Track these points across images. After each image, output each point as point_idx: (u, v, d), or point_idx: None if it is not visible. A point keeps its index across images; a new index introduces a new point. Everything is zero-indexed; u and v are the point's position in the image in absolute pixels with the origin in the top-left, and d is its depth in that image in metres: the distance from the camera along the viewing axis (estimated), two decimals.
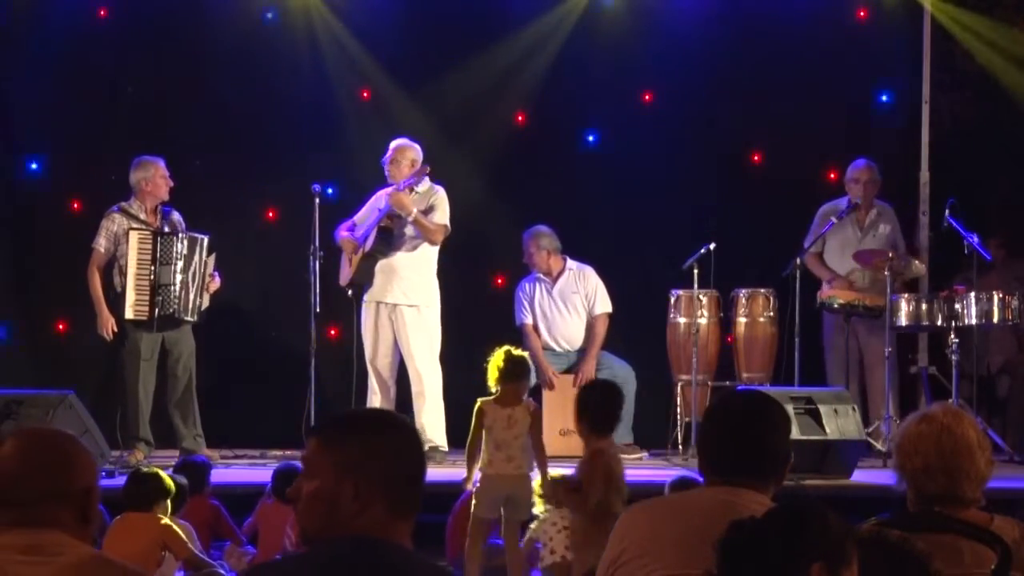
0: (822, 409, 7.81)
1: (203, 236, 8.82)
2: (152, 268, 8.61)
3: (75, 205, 10.02)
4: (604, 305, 9.44)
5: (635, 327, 9.74)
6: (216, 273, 8.87)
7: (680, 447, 9.13)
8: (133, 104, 10.08)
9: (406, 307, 8.84)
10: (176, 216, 8.92)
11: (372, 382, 8.96)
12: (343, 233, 8.96)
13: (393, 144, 8.92)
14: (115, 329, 8.67)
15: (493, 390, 6.50)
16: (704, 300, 9.31)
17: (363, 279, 8.88)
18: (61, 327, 10.01)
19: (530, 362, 6.77)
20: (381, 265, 8.85)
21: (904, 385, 9.52)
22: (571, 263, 9.48)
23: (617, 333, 9.51)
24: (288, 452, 8.61)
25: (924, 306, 8.88)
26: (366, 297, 8.93)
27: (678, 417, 9.32)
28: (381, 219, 8.81)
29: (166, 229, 8.75)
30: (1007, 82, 10.01)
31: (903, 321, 8.87)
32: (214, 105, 9.97)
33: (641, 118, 10.20)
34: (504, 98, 10.20)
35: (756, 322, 9.43)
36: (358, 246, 8.89)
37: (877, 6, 10.25)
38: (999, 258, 9.46)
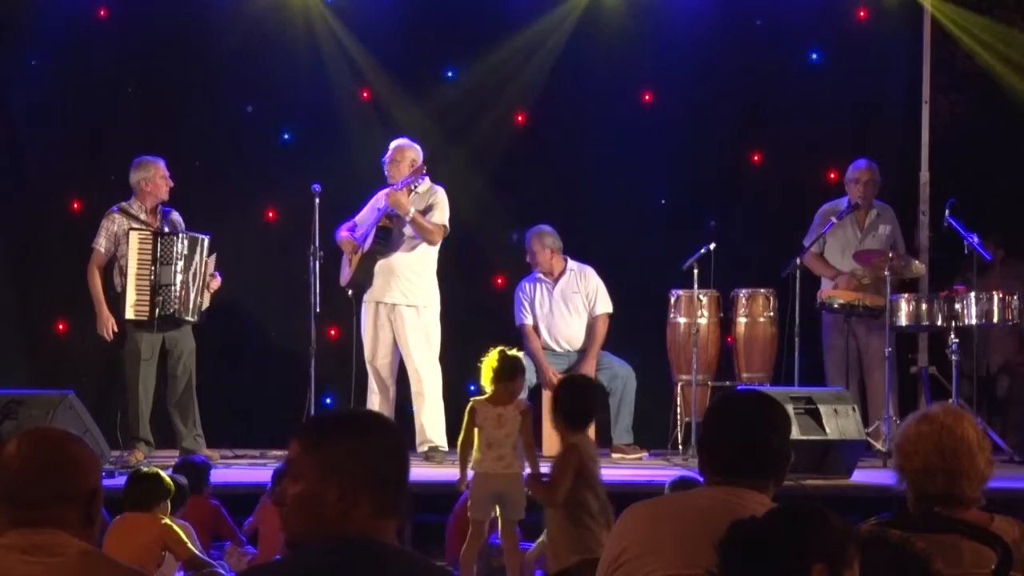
0: (822, 409, 7.81)
1: (204, 236, 8.82)
2: (152, 268, 8.61)
3: (75, 205, 10.01)
4: (605, 305, 9.44)
5: (635, 327, 9.74)
6: (217, 273, 8.87)
7: (680, 447, 9.13)
8: (133, 104, 10.07)
9: (405, 307, 8.84)
10: (176, 216, 8.93)
11: (372, 382, 8.97)
12: (343, 233, 8.97)
13: (393, 144, 8.93)
14: (115, 329, 8.68)
15: (486, 389, 6.51)
16: (704, 300, 9.31)
17: (363, 279, 8.88)
18: (61, 327, 10.01)
19: (524, 362, 6.76)
20: (381, 265, 8.85)
21: (904, 385, 9.52)
22: (572, 263, 9.48)
23: (617, 333, 9.51)
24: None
25: (924, 306, 8.88)
26: (366, 297, 8.93)
27: (678, 417, 9.31)
28: (380, 219, 8.81)
29: (166, 229, 8.75)
30: (1007, 82, 10.01)
31: (903, 321, 8.87)
32: (214, 105, 9.97)
33: (641, 118, 10.20)
34: (504, 98, 10.19)
35: (756, 322, 9.43)
36: (358, 246, 8.89)
37: (877, 6, 10.25)
38: (998, 258, 9.45)
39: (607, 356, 9.40)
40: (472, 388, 7.62)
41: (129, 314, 8.62)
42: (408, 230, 8.82)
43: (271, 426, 9.06)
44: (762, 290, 9.43)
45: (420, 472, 8.13)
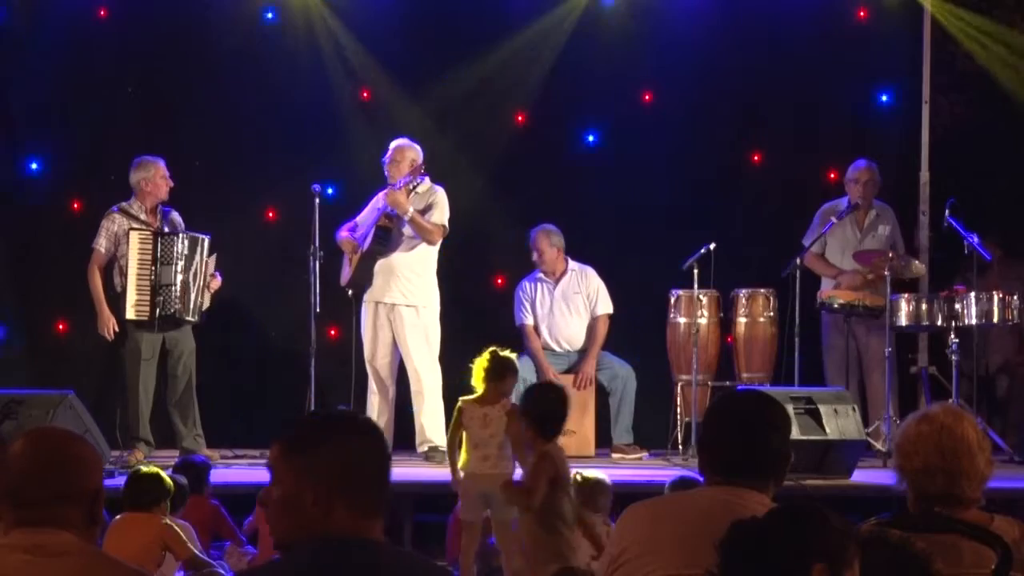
0: (822, 409, 7.81)
1: (204, 236, 8.83)
2: (153, 268, 8.61)
3: (75, 205, 10.01)
4: (606, 306, 9.44)
5: (635, 327, 9.73)
6: (218, 273, 8.87)
7: (680, 447, 9.13)
8: (133, 104, 10.07)
9: (404, 307, 8.85)
10: (176, 216, 8.93)
11: (371, 382, 8.97)
12: (343, 233, 8.97)
13: (393, 144, 8.93)
14: (116, 329, 8.68)
15: (476, 389, 6.51)
16: (704, 300, 9.31)
17: (363, 279, 8.88)
18: (61, 327, 10.01)
19: (526, 363, 6.75)
20: (380, 265, 8.86)
21: (904, 385, 9.52)
22: (573, 264, 9.49)
23: (617, 333, 9.51)
24: None
25: (924, 306, 8.88)
26: (365, 297, 8.94)
27: (678, 417, 9.31)
28: (379, 218, 8.82)
29: (166, 229, 8.76)
30: (1007, 82, 10.01)
31: (903, 321, 8.88)
32: (214, 105, 9.96)
33: (641, 118, 10.20)
34: (504, 98, 10.19)
35: (756, 322, 9.43)
36: (358, 246, 8.89)
37: (877, 6, 10.25)
38: (996, 257, 9.45)
39: (607, 356, 9.40)
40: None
41: (130, 314, 8.63)
42: (408, 230, 8.82)
43: (271, 426, 8.97)
44: (762, 290, 9.43)
45: (420, 472, 8.14)
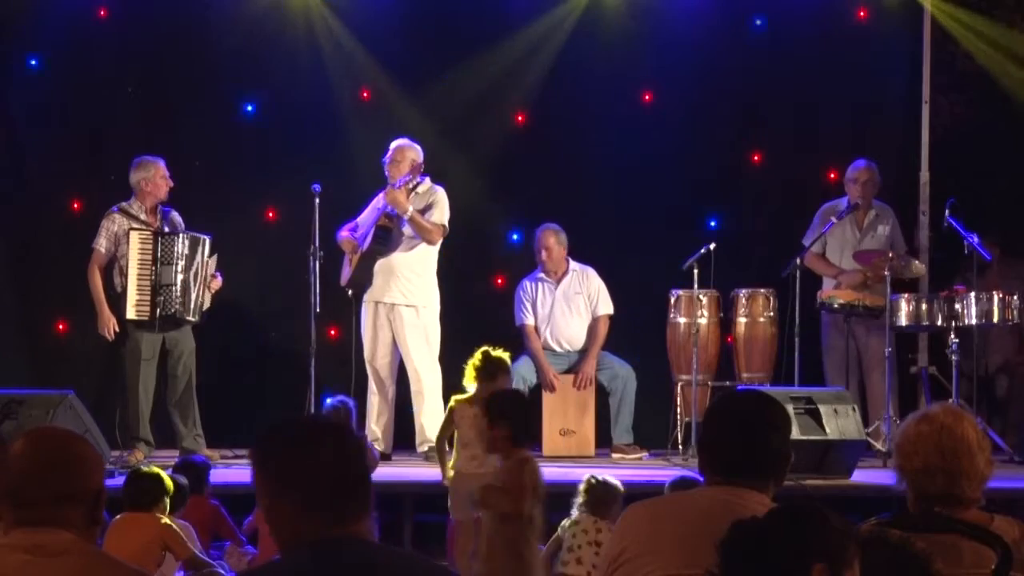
0: (822, 409, 7.81)
1: (205, 236, 8.83)
2: (153, 268, 8.61)
3: (75, 205, 10.01)
4: (607, 307, 9.44)
5: (635, 327, 9.73)
6: (218, 274, 8.87)
7: (680, 447, 9.13)
8: (133, 104, 10.07)
9: (404, 307, 8.85)
10: (176, 216, 8.93)
11: (371, 382, 8.98)
12: (344, 233, 8.98)
13: (394, 144, 8.93)
14: (116, 329, 8.68)
15: (468, 389, 6.49)
16: (704, 300, 9.31)
17: (363, 279, 8.89)
18: (61, 327, 10.01)
19: (509, 362, 6.74)
20: (380, 265, 8.86)
21: (904, 385, 9.52)
22: (574, 264, 9.49)
23: (617, 333, 9.51)
24: None
25: (924, 306, 8.88)
26: (365, 297, 8.94)
27: (678, 417, 9.31)
28: (379, 218, 8.82)
29: (166, 229, 8.76)
30: (1007, 82, 10.01)
31: (903, 321, 8.87)
32: (214, 105, 9.97)
33: (641, 118, 10.20)
34: (504, 98, 10.19)
35: (756, 322, 9.43)
36: (358, 246, 8.90)
37: (877, 6, 10.25)
38: (995, 256, 9.45)
39: (607, 356, 9.40)
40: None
41: (130, 314, 8.63)
42: (408, 230, 8.82)
43: None
44: (762, 290, 9.43)
45: (420, 472, 8.14)
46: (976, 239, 8.98)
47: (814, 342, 9.37)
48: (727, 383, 9.33)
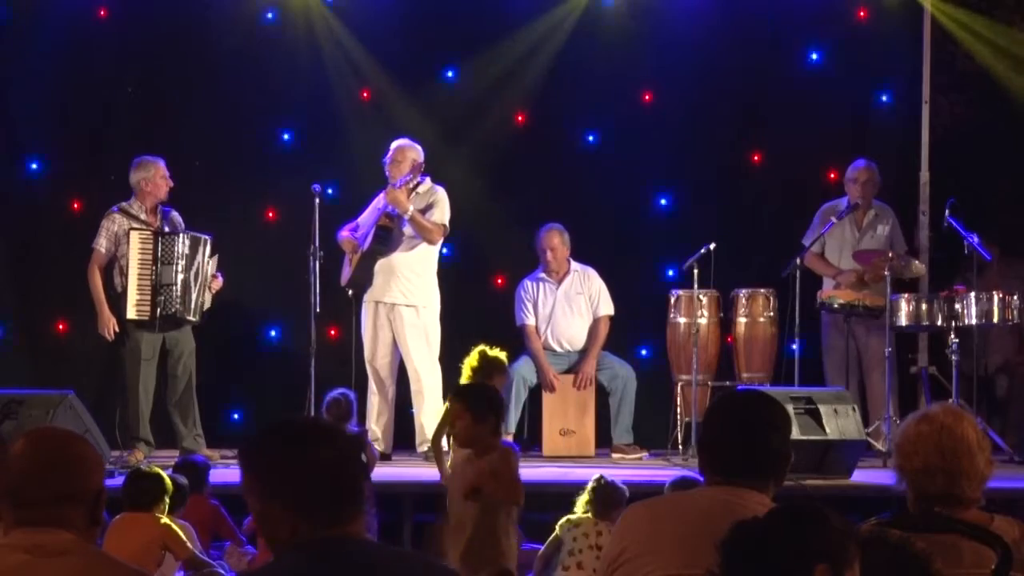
0: (822, 409, 7.80)
1: (206, 236, 8.83)
2: (154, 268, 8.62)
3: (75, 205, 10.02)
4: (607, 307, 9.44)
5: (635, 327, 9.73)
6: (219, 274, 8.88)
7: (680, 447, 9.13)
8: (133, 104, 10.07)
9: (404, 307, 8.85)
10: (176, 216, 8.93)
11: (371, 382, 8.98)
12: (344, 233, 8.98)
13: (394, 144, 8.93)
14: (116, 329, 8.68)
15: None
16: (704, 300, 9.31)
17: (363, 279, 8.89)
18: (61, 327, 10.01)
19: (505, 362, 6.73)
20: (381, 265, 8.86)
21: (904, 385, 9.52)
22: (575, 264, 9.49)
23: (617, 333, 9.51)
24: None
25: (924, 306, 8.88)
26: (366, 297, 8.94)
27: (678, 417, 9.31)
28: (380, 218, 8.82)
29: (167, 229, 8.76)
30: (1007, 82, 10.01)
31: (903, 321, 8.87)
32: (214, 105, 9.96)
33: (641, 118, 10.20)
34: (504, 98, 10.19)
35: (756, 322, 9.43)
36: (358, 246, 8.90)
37: (877, 6, 10.25)
38: (996, 257, 9.45)
39: (607, 356, 9.40)
40: None
41: (131, 314, 8.63)
42: (408, 230, 8.82)
43: None
44: (762, 290, 9.43)
45: (420, 472, 8.13)
46: (976, 239, 8.97)
47: (814, 342, 9.37)
48: (727, 383, 9.33)
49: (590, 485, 6.15)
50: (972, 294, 8.75)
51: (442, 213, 8.83)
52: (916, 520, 3.39)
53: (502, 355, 6.69)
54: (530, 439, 9.29)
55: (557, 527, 6.15)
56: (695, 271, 8.97)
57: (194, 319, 8.75)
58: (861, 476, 7.87)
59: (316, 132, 10.02)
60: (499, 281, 10.17)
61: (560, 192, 10.05)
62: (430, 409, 8.75)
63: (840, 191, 9.51)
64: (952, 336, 8.74)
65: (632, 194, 10.09)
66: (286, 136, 10.10)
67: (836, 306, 9.08)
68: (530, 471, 7.54)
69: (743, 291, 9.45)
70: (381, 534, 6.82)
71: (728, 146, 10.23)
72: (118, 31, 10.05)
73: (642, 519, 3.43)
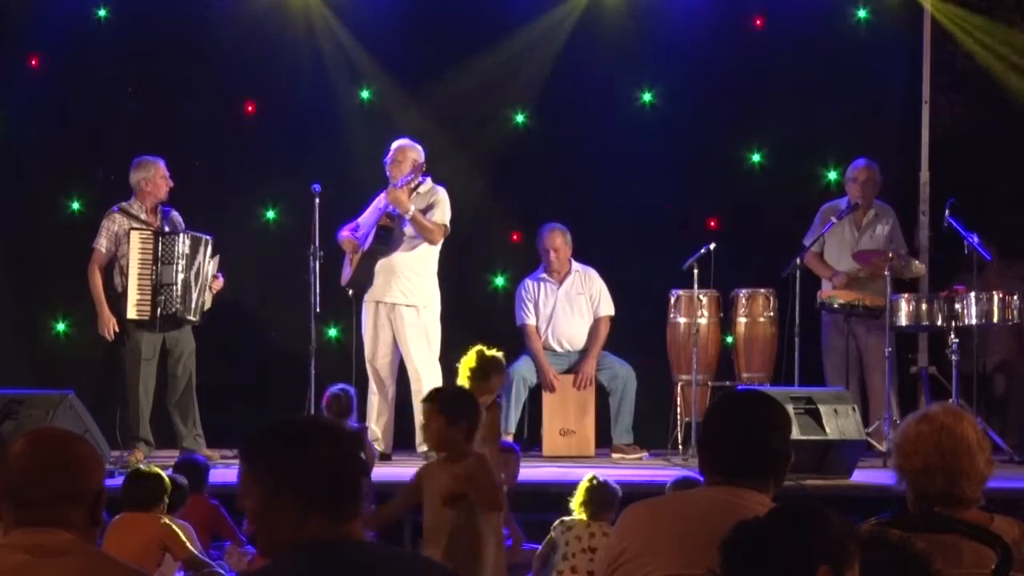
0: (822, 409, 7.80)
1: (207, 237, 8.84)
2: (154, 268, 8.62)
3: (75, 205, 10.02)
4: (608, 308, 9.44)
5: (635, 327, 9.73)
6: (220, 274, 8.88)
7: (680, 447, 9.13)
8: (133, 104, 10.07)
9: (405, 307, 8.85)
10: (176, 216, 8.93)
11: (371, 382, 8.98)
12: (345, 233, 8.98)
13: (395, 144, 8.93)
14: (116, 329, 8.68)
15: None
16: (704, 300, 9.31)
17: (364, 279, 8.89)
18: (61, 327, 10.01)
19: (503, 362, 6.73)
20: (381, 265, 8.86)
21: (904, 385, 9.51)
22: (576, 265, 9.49)
23: (617, 333, 9.51)
24: None
25: (924, 306, 8.88)
26: (366, 297, 8.94)
27: (678, 417, 9.31)
28: (380, 218, 8.82)
29: (167, 229, 8.76)
30: (1007, 82, 10.00)
31: (903, 321, 8.87)
32: (214, 105, 9.97)
33: (641, 118, 10.20)
34: (504, 98, 10.19)
35: (756, 322, 9.43)
36: (359, 246, 8.90)
37: (877, 6, 10.24)
38: (996, 257, 9.45)
39: (607, 356, 9.40)
40: None
41: (131, 314, 8.63)
42: (409, 230, 8.82)
43: None
44: (762, 290, 9.43)
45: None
46: (976, 239, 8.97)
47: (814, 342, 9.37)
48: (727, 383, 9.33)
49: (583, 485, 6.14)
50: (972, 294, 8.75)
51: (443, 213, 8.83)
52: (916, 520, 3.38)
53: (499, 355, 6.68)
54: (530, 439, 9.29)
55: (552, 529, 6.15)
56: (695, 271, 8.97)
57: (194, 319, 8.75)
58: (861, 476, 7.87)
59: (316, 132, 10.01)
60: (499, 281, 10.15)
61: (560, 192, 10.05)
62: None
63: (840, 191, 9.50)
64: (952, 336, 8.74)
65: (632, 194, 10.08)
66: (286, 136, 10.09)
67: (836, 306, 9.08)
68: (530, 471, 7.55)
69: (743, 291, 9.45)
70: (381, 534, 6.81)
71: (728, 146, 10.23)
72: (118, 31, 10.05)
73: (642, 519, 3.42)
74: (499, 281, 10.16)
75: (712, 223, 10.01)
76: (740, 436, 3.40)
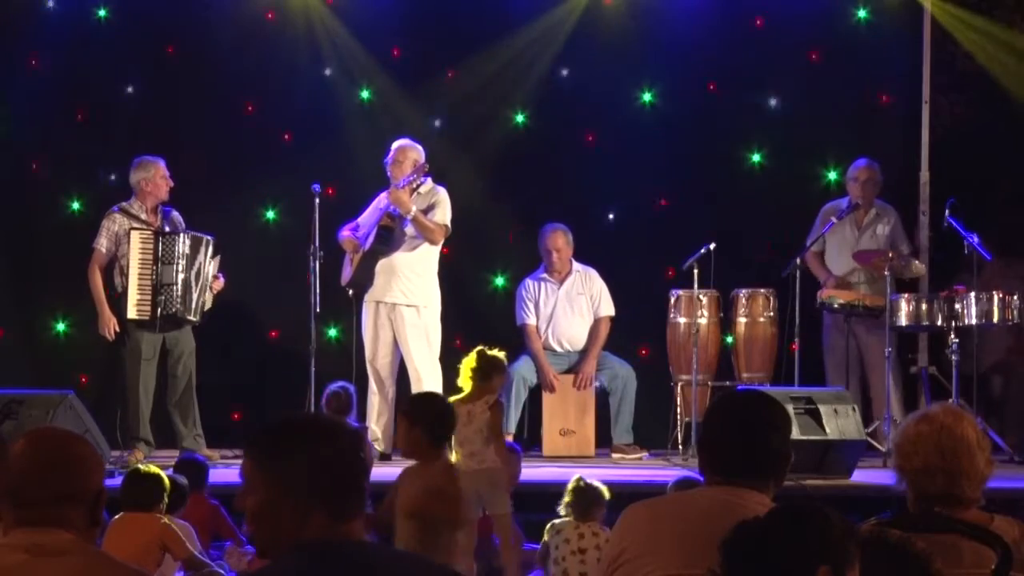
0: (822, 409, 7.81)
1: (208, 237, 8.84)
2: (154, 268, 8.62)
3: (75, 205, 10.02)
4: (608, 308, 9.44)
5: (635, 327, 9.73)
6: (221, 275, 8.88)
7: (680, 447, 9.13)
8: (133, 104, 10.07)
9: (405, 307, 8.85)
10: (177, 216, 8.94)
11: (371, 382, 8.98)
12: (345, 233, 8.98)
13: (395, 145, 8.93)
14: (117, 329, 8.68)
15: (464, 389, 6.49)
16: (704, 300, 9.31)
17: (364, 279, 8.89)
18: (61, 327, 10.01)
19: (505, 362, 6.73)
20: (382, 265, 8.86)
21: (904, 385, 9.51)
22: (577, 265, 9.49)
23: (617, 333, 9.51)
24: None
25: (924, 306, 8.88)
26: (366, 297, 8.94)
27: (678, 417, 9.31)
28: (382, 218, 8.82)
29: (167, 229, 8.76)
30: (1007, 82, 10.00)
31: (903, 321, 8.87)
32: (214, 105, 9.97)
33: (641, 118, 10.20)
34: (504, 98, 10.19)
35: (756, 322, 9.43)
36: (359, 246, 8.90)
37: (877, 6, 10.24)
38: (996, 257, 9.44)
39: (607, 356, 9.40)
40: None
41: (131, 314, 8.63)
42: (410, 230, 8.82)
43: None
44: (762, 290, 9.43)
45: None
46: (976, 239, 8.97)
47: (814, 342, 9.37)
48: (727, 383, 9.33)
49: (569, 487, 6.18)
50: (972, 294, 8.75)
51: (444, 213, 8.83)
52: (916, 520, 3.38)
53: (501, 355, 6.68)
54: (530, 439, 9.29)
55: (545, 532, 6.17)
56: (695, 271, 8.97)
57: (194, 319, 8.75)
58: (861, 476, 7.87)
59: (316, 132, 10.01)
60: (499, 281, 10.15)
61: (560, 192, 10.05)
62: None
63: (840, 191, 9.50)
64: (952, 336, 8.74)
65: (632, 194, 10.09)
66: (286, 136, 10.09)
67: (836, 306, 9.09)
68: (530, 471, 7.55)
69: (743, 291, 9.45)
70: (381, 536, 6.81)
71: (728, 146, 10.23)
72: (118, 31, 10.05)
73: (642, 519, 3.42)
74: (499, 281, 10.17)
75: (663, 202, 10.00)
76: (740, 436, 3.40)
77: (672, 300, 9.44)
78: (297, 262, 8.95)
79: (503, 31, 10.11)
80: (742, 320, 9.45)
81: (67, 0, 10.08)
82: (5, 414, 7.53)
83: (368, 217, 8.96)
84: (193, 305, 8.71)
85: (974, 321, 8.74)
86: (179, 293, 8.64)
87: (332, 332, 9.83)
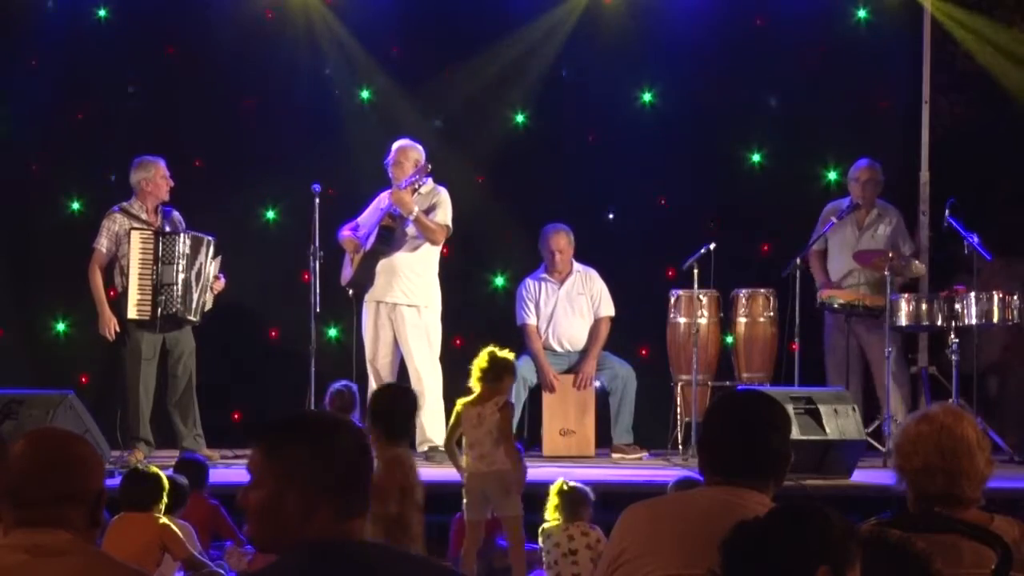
0: (822, 409, 7.81)
1: (208, 237, 8.84)
2: (154, 268, 8.62)
3: (75, 205, 10.02)
4: (608, 308, 9.44)
5: (635, 327, 9.73)
6: (221, 275, 8.88)
7: (680, 447, 9.13)
8: (133, 104, 10.07)
9: (406, 307, 8.85)
10: (177, 216, 8.94)
11: (372, 382, 8.97)
12: (345, 232, 8.98)
13: (396, 145, 8.93)
14: (117, 329, 8.68)
15: (474, 390, 6.50)
16: (704, 300, 9.31)
17: (364, 279, 8.89)
18: (61, 327, 10.01)
19: (515, 363, 6.74)
20: (382, 265, 8.86)
21: (908, 384, 9.52)
22: (577, 265, 9.49)
23: (617, 333, 9.51)
24: None
25: (924, 306, 8.88)
26: (367, 297, 8.94)
27: (678, 417, 9.31)
28: (383, 218, 8.82)
29: (167, 229, 8.76)
30: (1007, 82, 10.00)
31: (903, 321, 8.87)
32: (214, 105, 9.96)
33: (641, 118, 10.20)
34: (504, 98, 10.19)
35: (756, 322, 9.43)
36: (360, 246, 8.90)
37: (877, 6, 10.24)
38: (996, 257, 9.44)
39: (607, 356, 9.40)
40: None
41: (131, 314, 8.63)
42: (411, 230, 8.82)
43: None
44: (762, 290, 9.43)
45: (420, 472, 8.11)
46: (976, 239, 8.97)
47: (814, 342, 9.37)
48: (727, 383, 9.33)
49: (553, 490, 6.20)
50: (972, 294, 8.75)
51: (445, 213, 8.83)
52: (916, 520, 3.38)
53: (511, 356, 6.68)
54: (530, 439, 9.29)
55: (539, 535, 6.19)
56: (695, 271, 8.97)
57: (194, 319, 8.75)
58: (861, 476, 7.87)
59: (316, 132, 10.01)
60: (499, 282, 10.16)
61: (560, 192, 10.05)
62: (431, 409, 8.74)
63: (840, 191, 9.50)
64: (952, 336, 8.74)
65: (632, 194, 10.09)
66: (286, 136, 10.09)
67: (836, 306, 9.09)
68: (530, 471, 7.52)
69: (743, 291, 9.45)
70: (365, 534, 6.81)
71: (728, 145, 10.23)
72: (118, 31, 10.05)
73: (642, 519, 3.42)
74: (499, 281, 10.17)
75: (663, 202, 10.02)
76: (740, 436, 3.40)
77: (672, 300, 9.44)
78: (297, 262, 8.95)
79: (503, 31, 10.11)
80: (742, 320, 9.45)
81: (67, 0, 10.08)
82: (5, 414, 7.53)
83: (369, 217, 8.96)
84: (193, 305, 8.71)
85: (974, 321, 8.74)
86: (179, 293, 8.64)
87: (332, 332, 9.84)
